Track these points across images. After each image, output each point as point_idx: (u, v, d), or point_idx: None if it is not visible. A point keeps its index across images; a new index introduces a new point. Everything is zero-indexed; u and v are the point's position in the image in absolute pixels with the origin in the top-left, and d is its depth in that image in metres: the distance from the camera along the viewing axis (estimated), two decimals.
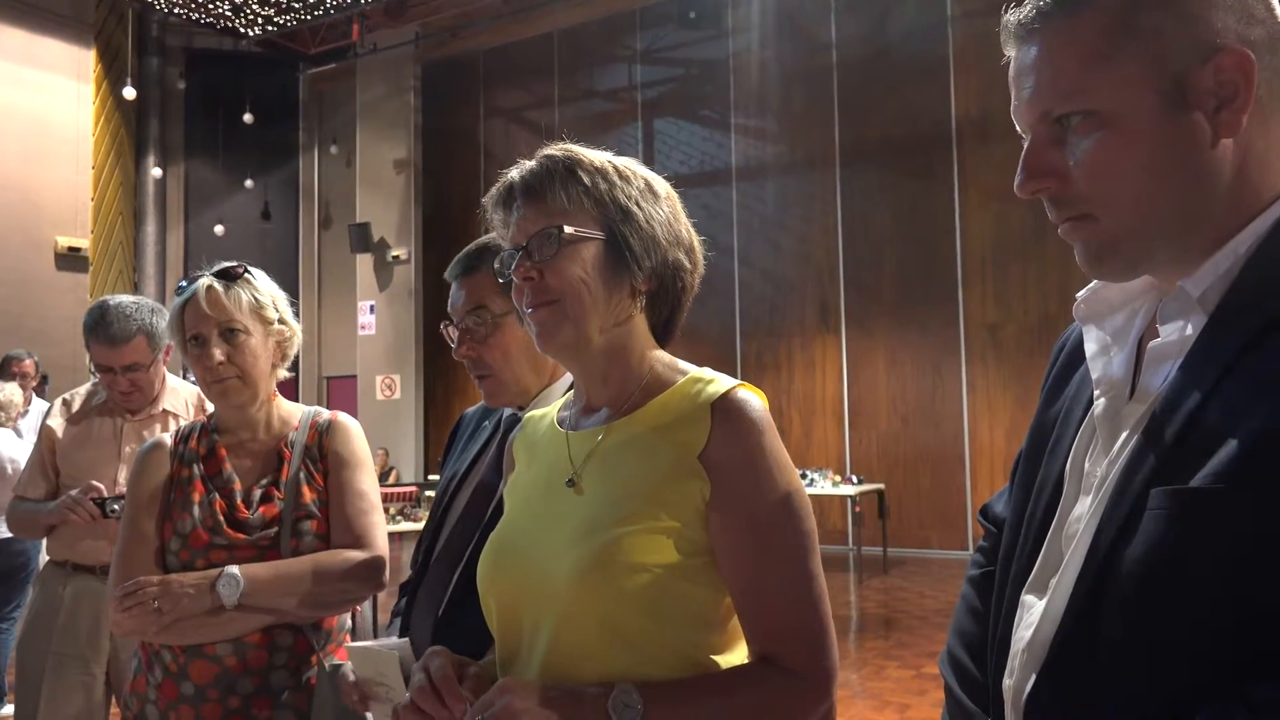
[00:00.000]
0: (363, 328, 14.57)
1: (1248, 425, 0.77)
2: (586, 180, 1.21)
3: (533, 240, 1.20)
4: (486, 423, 1.89)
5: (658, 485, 1.15)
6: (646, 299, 1.24)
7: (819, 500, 10.31)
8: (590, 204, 1.20)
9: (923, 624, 7.24)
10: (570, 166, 1.22)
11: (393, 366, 14.32)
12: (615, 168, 1.24)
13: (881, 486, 10.06)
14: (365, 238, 14.35)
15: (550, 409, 1.40)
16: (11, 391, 5.31)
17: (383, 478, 12.17)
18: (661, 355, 1.29)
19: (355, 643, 1.36)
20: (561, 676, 1.13)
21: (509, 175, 1.26)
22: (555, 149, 1.25)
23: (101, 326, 2.74)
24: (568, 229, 1.19)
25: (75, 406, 2.97)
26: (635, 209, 1.21)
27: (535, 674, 1.16)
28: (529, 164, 1.24)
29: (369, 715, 1.81)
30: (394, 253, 14.29)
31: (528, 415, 1.44)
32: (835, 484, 9.68)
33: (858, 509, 9.82)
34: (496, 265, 1.27)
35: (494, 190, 1.27)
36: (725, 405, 1.17)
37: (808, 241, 11.65)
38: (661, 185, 1.28)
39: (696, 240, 1.30)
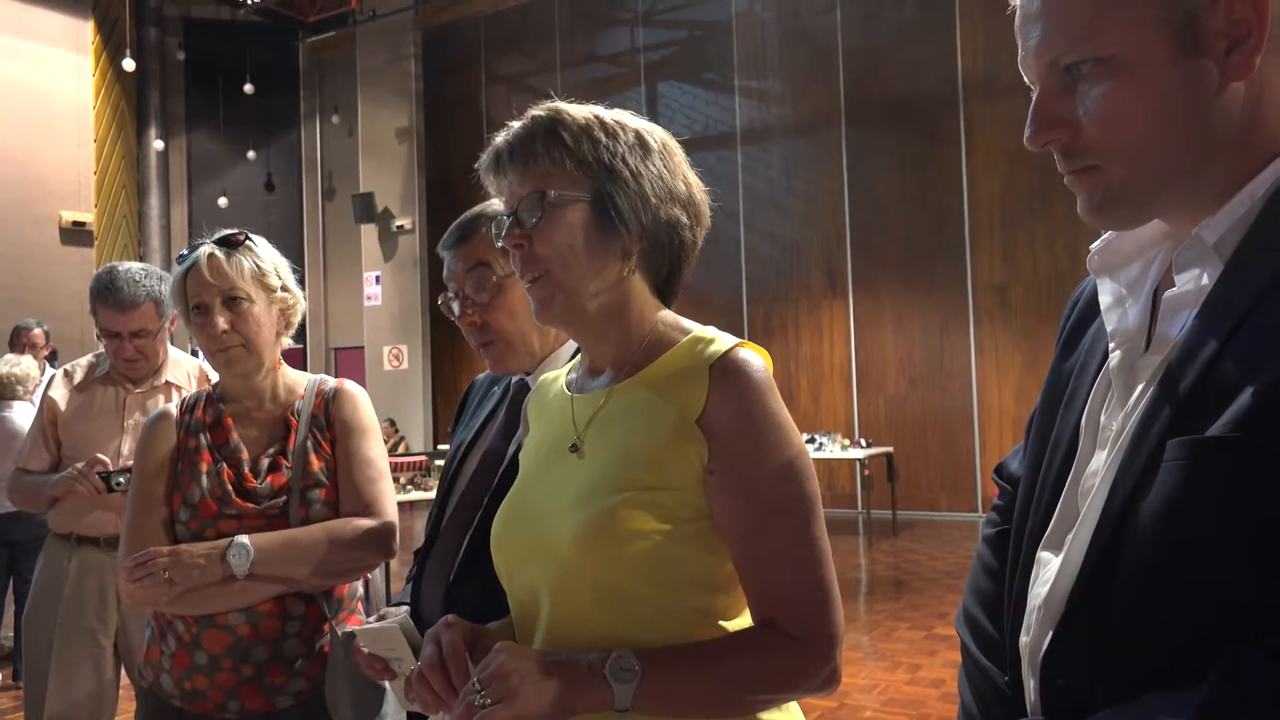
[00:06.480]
0: (369, 299, 14.56)
1: (1265, 371, 0.75)
2: (569, 141, 1.17)
3: (520, 206, 1.18)
4: (495, 388, 1.88)
5: (657, 449, 1.14)
6: (641, 258, 1.21)
7: (827, 464, 10.33)
8: (573, 165, 1.17)
9: (932, 585, 7.27)
10: (552, 127, 1.18)
11: (400, 337, 14.33)
12: (602, 123, 1.20)
13: (890, 449, 10.07)
14: (369, 208, 14.29)
15: (562, 371, 1.39)
16: (29, 365, 5.30)
17: (392, 449, 12.21)
18: (664, 315, 1.26)
19: (359, 626, 1.37)
20: (564, 640, 1.13)
21: (496, 140, 1.23)
22: (541, 108, 1.21)
23: (110, 292, 2.73)
24: (551, 193, 1.16)
25: (77, 378, 2.96)
26: (621, 167, 1.18)
27: (542, 638, 1.16)
28: (515, 126, 1.21)
29: (387, 684, 1.83)
30: (398, 222, 14.24)
31: (542, 377, 1.43)
32: (844, 447, 9.68)
33: (866, 472, 9.84)
34: (493, 229, 1.25)
35: (484, 156, 1.24)
36: (724, 366, 1.15)
37: (813, 204, 11.57)
38: (655, 138, 1.23)
39: (699, 192, 1.26)
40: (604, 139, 1.18)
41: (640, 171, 1.19)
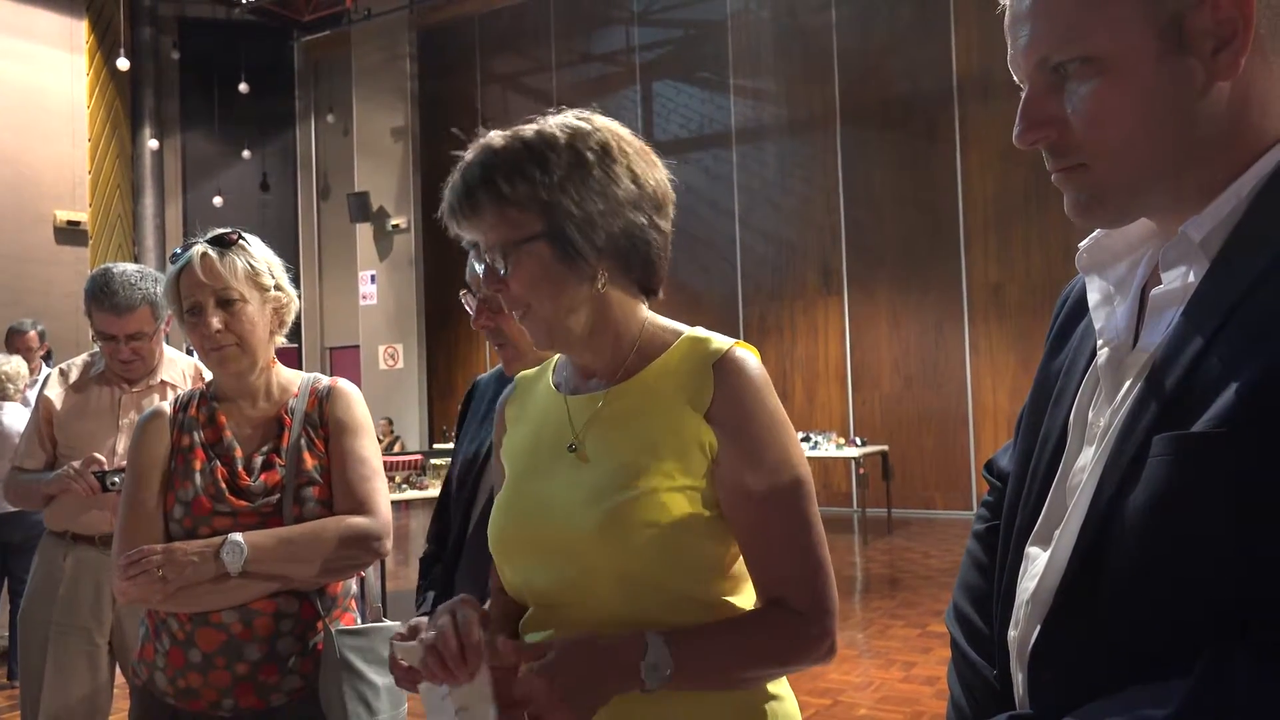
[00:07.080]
0: (364, 298, 14.55)
1: (1249, 368, 0.76)
2: (505, 189, 1.18)
3: (489, 255, 1.22)
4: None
5: (666, 446, 1.19)
6: (609, 272, 1.23)
7: (823, 463, 10.34)
8: (516, 210, 1.19)
9: (927, 583, 7.28)
10: (486, 176, 1.19)
11: (395, 336, 14.32)
12: (531, 153, 1.19)
13: (885, 448, 10.08)
14: (364, 207, 14.28)
15: (545, 369, 1.41)
16: (18, 365, 5.31)
17: (387, 448, 12.19)
18: (651, 316, 1.30)
19: (399, 641, 1.34)
20: (582, 628, 1.18)
21: (445, 193, 1.24)
22: (472, 151, 1.23)
23: (106, 295, 2.72)
24: (512, 238, 1.19)
25: (73, 377, 2.96)
26: (560, 199, 1.18)
27: (561, 632, 1.20)
28: (454, 178, 1.22)
29: (380, 683, 1.83)
30: (393, 222, 14.23)
31: (519, 377, 1.44)
32: (839, 446, 9.69)
33: (862, 471, 9.86)
34: (471, 271, 1.28)
35: (441, 208, 1.25)
36: (726, 364, 1.22)
37: (809, 203, 11.58)
38: (592, 146, 1.21)
39: (653, 180, 1.24)
40: (537, 174, 1.18)
41: (580, 196, 1.19)
